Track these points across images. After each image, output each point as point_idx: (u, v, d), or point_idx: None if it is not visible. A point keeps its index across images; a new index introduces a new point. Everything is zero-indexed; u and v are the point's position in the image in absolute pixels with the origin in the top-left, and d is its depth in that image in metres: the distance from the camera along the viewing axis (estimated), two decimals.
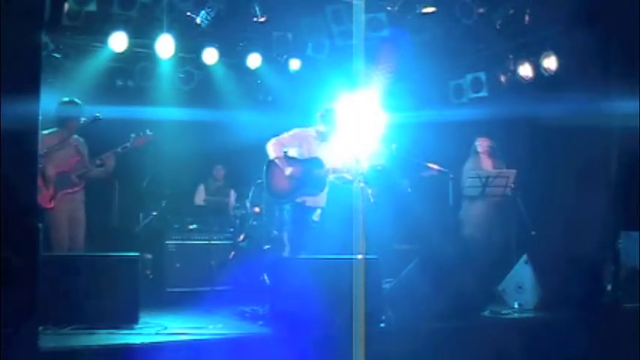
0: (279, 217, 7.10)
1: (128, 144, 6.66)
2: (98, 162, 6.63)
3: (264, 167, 6.73)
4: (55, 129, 6.54)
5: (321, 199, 6.84)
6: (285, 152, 6.78)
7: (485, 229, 7.97)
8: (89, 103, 6.84)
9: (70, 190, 6.54)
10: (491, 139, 8.19)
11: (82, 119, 6.60)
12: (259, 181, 7.00)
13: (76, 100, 6.66)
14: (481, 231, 7.98)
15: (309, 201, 6.75)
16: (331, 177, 6.75)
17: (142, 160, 7.72)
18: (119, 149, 6.65)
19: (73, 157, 6.60)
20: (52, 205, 6.38)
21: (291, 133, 6.84)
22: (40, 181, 6.34)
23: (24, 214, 4.15)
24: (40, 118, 4.38)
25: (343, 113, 7.03)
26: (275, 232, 7.25)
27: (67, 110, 6.57)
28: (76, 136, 6.67)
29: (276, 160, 6.67)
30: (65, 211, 6.49)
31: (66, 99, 6.62)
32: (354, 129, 7.07)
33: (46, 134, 6.43)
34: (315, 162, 6.72)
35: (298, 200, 6.68)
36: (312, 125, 6.93)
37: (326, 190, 6.83)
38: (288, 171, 6.60)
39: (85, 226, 6.69)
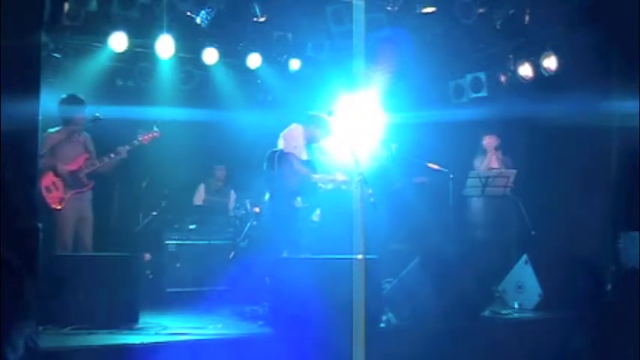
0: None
1: (136, 141, 6.65)
2: (112, 155, 6.59)
3: (276, 158, 6.57)
4: (60, 126, 6.53)
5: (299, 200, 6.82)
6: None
7: (485, 229, 7.98)
8: (89, 103, 6.84)
9: (79, 190, 6.51)
10: (497, 137, 8.21)
11: (86, 114, 6.60)
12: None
13: (78, 95, 6.64)
14: (481, 231, 7.99)
15: (297, 202, 6.75)
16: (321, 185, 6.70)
17: (142, 160, 7.72)
18: (127, 147, 6.63)
19: (81, 154, 6.58)
20: (60, 207, 6.36)
21: (296, 130, 6.68)
22: (51, 180, 6.34)
23: (24, 214, 4.15)
24: (41, 118, 4.38)
25: (342, 114, 7.02)
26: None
27: (70, 106, 6.54)
28: (83, 133, 6.66)
29: (290, 156, 6.52)
30: (73, 211, 6.45)
31: (66, 95, 6.59)
32: (354, 129, 7.07)
33: (52, 132, 6.43)
34: (312, 166, 6.68)
35: (294, 202, 6.65)
36: (302, 123, 6.78)
37: None
38: (302, 171, 6.53)
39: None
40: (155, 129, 6.77)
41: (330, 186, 6.75)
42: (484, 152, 8.32)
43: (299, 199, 6.67)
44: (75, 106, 6.55)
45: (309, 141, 6.76)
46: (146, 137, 6.70)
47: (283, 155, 6.55)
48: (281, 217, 6.62)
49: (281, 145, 6.62)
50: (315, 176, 6.67)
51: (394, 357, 5.18)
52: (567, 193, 7.52)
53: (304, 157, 6.69)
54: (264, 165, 6.68)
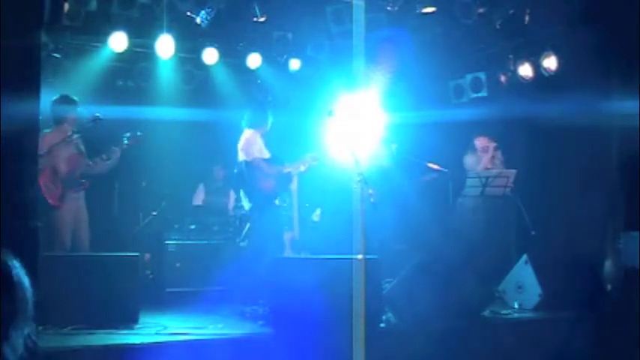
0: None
1: (124, 145, 6.67)
2: (104, 156, 6.60)
3: (244, 170, 6.76)
4: (54, 127, 6.53)
5: None
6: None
7: (485, 229, 7.97)
8: (89, 103, 6.85)
9: (76, 190, 6.52)
10: (489, 138, 8.22)
11: (79, 114, 6.61)
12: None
13: (70, 95, 6.65)
14: (481, 231, 7.98)
15: (276, 201, 6.96)
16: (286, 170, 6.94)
17: (141, 160, 7.71)
18: (117, 150, 6.64)
19: (75, 155, 6.59)
20: (60, 203, 6.36)
21: (249, 136, 6.89)
22: (49, 179, 6.34)
23: (24, 214, 4.15)
24: (41, 118, 4.38)
25: (342, 114, 7.03)
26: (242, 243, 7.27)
27: (62, 107, 6.55)
28: (75, 135, 6.66)
29: (256, 162, 6.75)
30: (71, 211, 6.47)
31: (59, 96, 6.60)
32: (354, 129, 7.07)
33: (47, 133, 6.42)
34: (278, 160, 6.87)
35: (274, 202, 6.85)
36: (249, 126, 7.00)
37: None
38: (272, 171, 6.69)
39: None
40: (139, 133, 6.82)
41: (302, 168, 6.96)
42: (474, 151, 8.31)
43: (277, 200, 6.82)
44: (68, 106, 6.56)
45: (263, 134, 6.97)
46: (132, 141, 6.74)
47: (249, 165, 6.77)
48: (267, 220, 6.79)
49: (242, 156, 6.82)
50: (286, 168, 6.90)
51: (394, 357, 5.18)
52: (567, 193, 7.51)
53: (267, 155, 6.88)
54: (236, 181, 6.90)
